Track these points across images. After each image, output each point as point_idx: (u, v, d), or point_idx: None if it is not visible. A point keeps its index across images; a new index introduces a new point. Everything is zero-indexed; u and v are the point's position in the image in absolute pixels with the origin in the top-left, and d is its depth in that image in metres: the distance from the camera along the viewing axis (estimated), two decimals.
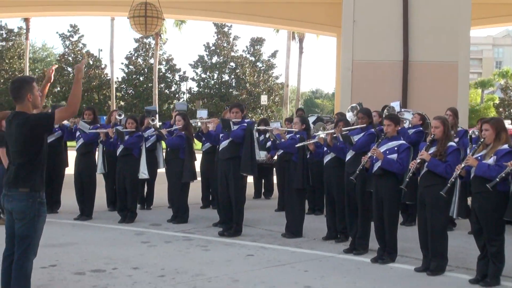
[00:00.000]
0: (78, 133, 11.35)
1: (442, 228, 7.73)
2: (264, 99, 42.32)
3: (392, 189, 8.09)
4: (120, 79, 55.09)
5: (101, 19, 49.49)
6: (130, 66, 55.11)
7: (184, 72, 56.43)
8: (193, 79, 55.87)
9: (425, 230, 7.79)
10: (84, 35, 56.99)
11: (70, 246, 9.09)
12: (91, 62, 54.78)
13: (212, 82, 55.78)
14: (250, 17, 23.62)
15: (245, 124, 10.08)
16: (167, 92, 55.33)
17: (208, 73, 55.64)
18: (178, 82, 56.39)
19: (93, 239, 9.65)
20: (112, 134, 11.19)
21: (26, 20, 46.27)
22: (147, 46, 54.51)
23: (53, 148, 11.78)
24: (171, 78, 55.85)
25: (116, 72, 51.39)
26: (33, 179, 5.60)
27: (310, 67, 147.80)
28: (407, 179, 7.76)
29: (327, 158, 9.65)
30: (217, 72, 55.70)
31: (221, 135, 10.22)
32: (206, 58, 55.59)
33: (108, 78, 53.93)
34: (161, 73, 54.55)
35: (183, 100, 55.26)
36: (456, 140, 10.43)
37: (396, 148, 8.19)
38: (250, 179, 14.72)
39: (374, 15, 14.69)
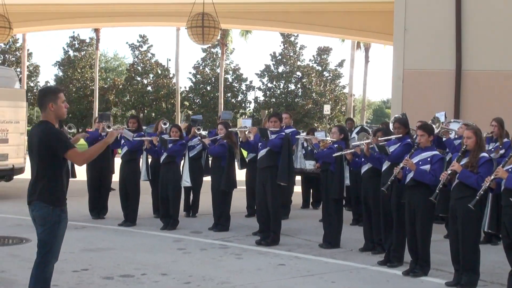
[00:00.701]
0: (122, 141, 11.59)
1: (474, 241, 7.50)
2: (327, 109, 42.12)
3: (425, 200, 7.89)
4: (187, 89, 56.00)
5: (170, 29, 50.61)
6: (198, 76, 55.91)
7: (251, 82, 56.93)
8: (259, 88, 56.23)
9: (456, 243, 7.59)
10: (153, 45, 58.10)
11: (107, 251, 9.29)
12: (159, 72, 55.86)
13: (278, 91, 55.97)
14: (308, 26, 23.61)
15: (283, 133, 10.09)
16: (234, 101, 55.82)
17: (274, 83, 55.86)
18: (244, 92, 56.86)
19: (131, 245, 9.83)
20: (156, 142, 11.37)
21: (96, 30, 47.58)
22: (214, 56, 55.16)
23: (100, 155, 12.04)
24: (237, 87, 56.36)
25: (184, 81, 52.28)
26: (53, 193, 5.72)
27: (379, 76, 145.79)
28: (437, 191, 7.58)
29: (364, 168, 9.53)
30: (283, 82, 55.87)
31: (259, 144, 10.25)
32: (272, 68, 55.84)
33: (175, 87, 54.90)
34: (228, 83, 55.17)
35: (249, 109, 55.64)
36: (502, 151, 10.14)
37: (429, 159, 8.01)
38: (298, 188, 14.76)
39: (425, 23, 14.44)
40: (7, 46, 54.09)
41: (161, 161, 11.39)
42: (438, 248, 8.64)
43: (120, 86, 56.12)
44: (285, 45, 55.52)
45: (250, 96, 57.83)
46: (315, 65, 56.52)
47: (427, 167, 7.97)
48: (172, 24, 24.63)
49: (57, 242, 5.84)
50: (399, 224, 8.58)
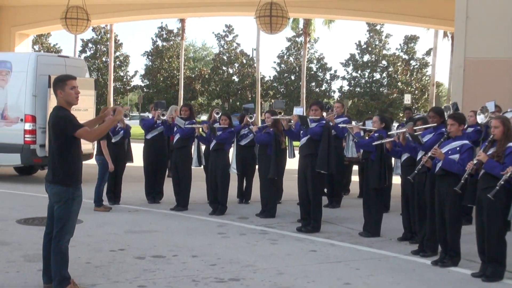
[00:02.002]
0: (175, 128, 11.99)
1: (499, 232, 7.41)
2: (407, 98, 41.37)
3: (454, 190, 7.83)
4: (272, 78, 56.43)
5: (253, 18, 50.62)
6: (282, 65, 56.21)
7: (335, 71, 56.71)
8: (343, 77, 55.92)
9: (482, 234, 7.52)
10: (239, 35, 58.71)
11: (149, 233, 9.69)
12: (244, 61, 56.50)
13: (363, 80, 55.47)
14: (380, 15, 23.36)
15: (324, 122, 10.19)
16: (318, 90, 55.78)
17: (359, 72, 55.40)
18: (328, 81, 56.70)
19: (175, 228, 10.20)
20: (206, 130, 11.70)
21: (182, 21, 48.54)
22: (299, 45, 55.22)
23: (155, 142, 12.64)
24: (321, 76, 56.28)
25: (268, 70, 52.76)
26: (67, 173, 6.20)
27: None
28: (462, 181, 7.53)
29: (403, 157, 9.52)
30: (368, 71, 55.31)
31: (301, 132, 10.40)
32: (357, 57, 55.38)
33: (261, 76, 55.50)
34: (312, 72, 55.22)
35: (333, 98, 55.41)
36: None
37: (458, 149, 7.94)
38: (356, 177, 14.76)
39: (488, 10, 14.03)
40: (99, 37, 56.15)
41: (210, 148, 11.73)
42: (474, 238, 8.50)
43: (206, 76, 57.16)
44: (371, 34, 54.90)
45: (335, 85, 57.67)
46: (401, 53, 55.60)
47: (456, 156, 7.91)
48: (245, 14, 25.08)
49: (71, 219, 6.30)
50: (432, 214, 8.54)
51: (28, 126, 14.56)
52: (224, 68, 56.91)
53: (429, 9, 22.06)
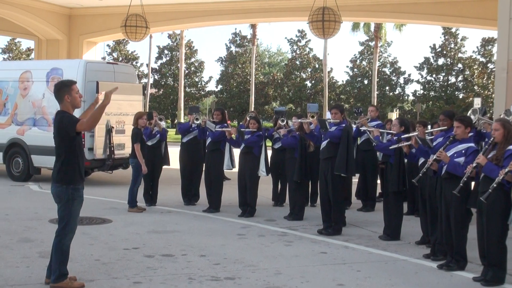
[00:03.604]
0: (208, 132, 12.29)
1: (499, 236, 7.30)
2: (477, 102, 40.09)
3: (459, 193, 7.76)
4: (344, 82, 56.22)
5: None
6: (355, 69, 55.91)
7: (409, 75, 55.92)
8: (418, 81, 55.04)
9: (483, 238, 7.42)
10: (311, 40, 58.42)
11: (170, 234, 9.99)
12: (316, 66, 56.51)
13: (438, 84, 54.40)
14: (455, 19, 22.98)
15: (343, 125, 10.23)
16: (391, 94, 55.12)
17: (433, 75, 54.40)
18: (402, 85, 55.93)
19: (197, 229, 10.45)
20: (235, 133, 11.93)
21: (253, 26, 49.06)
22: (372, 49, 54.74)
23: (191, 146, 12.97)
24: (395, 80, 55.59)
25: (341, 75, 52.42)
26: (66, 174, 6.62)
27: None
28: (461, 184, 7.47)
29: (420, 161, 9.45)
30: (443, 74, 54.23)
31: (322, 135, 10.48)
32: (432, 60, 54.38)
33: (333, 81, 55.49)
34: (386, 76, 54.67)
35: (407, 102, 54.57)
36: None
37: (463, 151, 7.86)
38: None
39: None
40: (174, 44, 57.46)
41: (239, 151, 11.96)
42: None
43: (279, 81, 57.52)
44: (446, 37, 53.82)
45: (408, 89, 56.86)
46: (478, 56, 54.22)
47: (461, 159, 7.84)
48: (299, 19, 25.34)
49: (72, 218, 6.69)
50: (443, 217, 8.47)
51: None
52: (296, 73, 57.12)
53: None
